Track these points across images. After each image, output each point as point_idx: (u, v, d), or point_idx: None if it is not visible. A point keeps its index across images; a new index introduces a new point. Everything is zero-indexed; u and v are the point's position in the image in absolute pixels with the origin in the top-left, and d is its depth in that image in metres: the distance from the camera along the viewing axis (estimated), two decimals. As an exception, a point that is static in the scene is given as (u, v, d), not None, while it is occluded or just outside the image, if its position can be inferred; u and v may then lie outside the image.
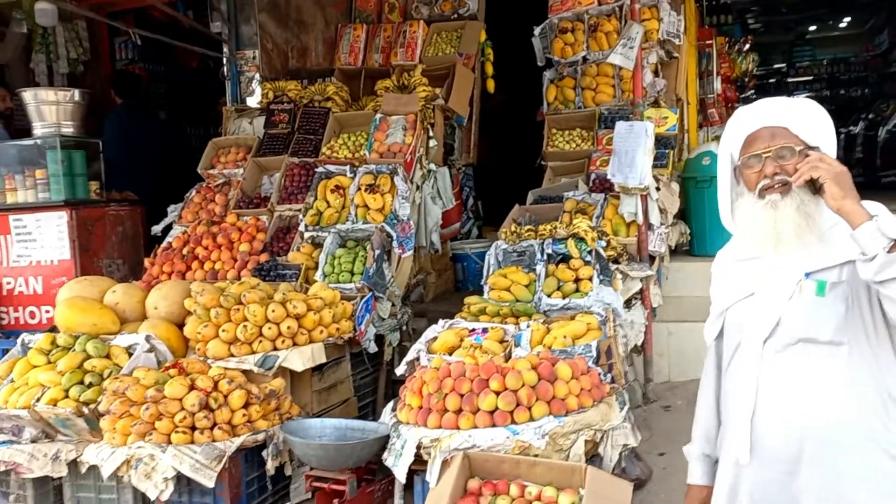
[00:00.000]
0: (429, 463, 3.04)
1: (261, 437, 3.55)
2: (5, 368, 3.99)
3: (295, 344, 3.99)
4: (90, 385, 3.71)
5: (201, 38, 7.32)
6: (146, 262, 5.14)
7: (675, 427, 4.52)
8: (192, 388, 3.51)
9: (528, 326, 3.68)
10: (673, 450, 4.12)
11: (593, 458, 3.19)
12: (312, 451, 3.30)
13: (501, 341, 3.69)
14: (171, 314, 4.17)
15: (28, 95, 5.38)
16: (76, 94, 5.49)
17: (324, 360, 4.10)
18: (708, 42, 7.97)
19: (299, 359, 3.94)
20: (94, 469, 3.58)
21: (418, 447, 3.09)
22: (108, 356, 3.86)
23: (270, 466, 3.57)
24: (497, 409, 3.03)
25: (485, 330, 3.75)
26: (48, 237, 5.43)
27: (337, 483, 3.33)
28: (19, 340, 4.16)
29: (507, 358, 3.48)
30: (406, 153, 5.15)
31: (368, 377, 4.92)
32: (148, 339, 3.94)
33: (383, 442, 3.31)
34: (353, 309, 4.39)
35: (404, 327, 5.04)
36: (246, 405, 3.58)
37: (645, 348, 4.92)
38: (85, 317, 4.03)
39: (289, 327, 3.93)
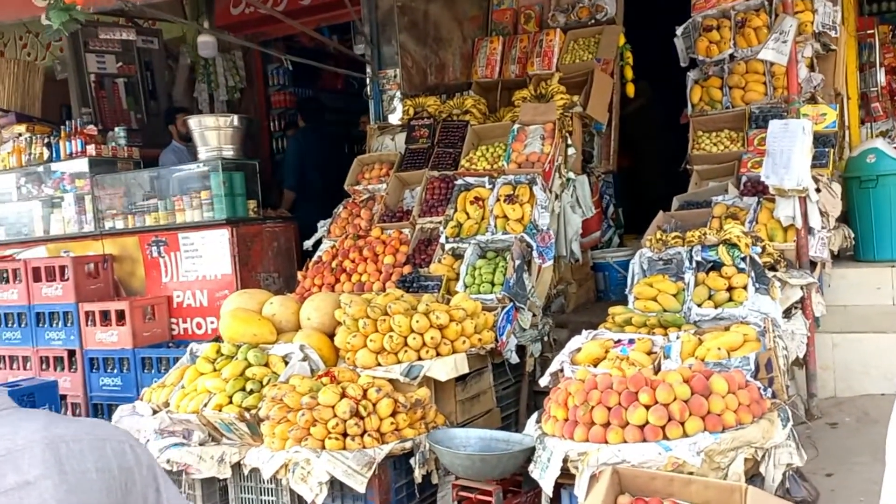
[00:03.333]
0: (577, 477, 2.98)
1: (408, 444, 3.63)
2: (177, 376, 4.33)
3: (438, 354, 4.05)
4: (251, 392, 3.94)
5: (345, 60, 7.68)
6: (299, 275, 5.41)
7: (843, 446, 4.18)
8: (343, 395, 3.64)
9: (677, 338, 3.54)
10: (841, 470, 3.82)
11: (753, 477, 3.01)
12: (459, 461, 3.33)
13: (649, 353, 3.57)
14: (323, 325, 4.35)
15: (193, 122, 5.84)
16: (235, 119, 5.90)
17: (466, 370, 4.13)
18: (869, 31, 7.36)
19: (443, 368, 4.00)
20: (255, 471, 3.80)
21: (565, 460, 3.04)
22: (266, 364, 4.08)
23: (418, 474, 3.64)
24: (647, 423, 2.93)
25: (631, 341, 3.64)
26: (212, 253, 5.86)
27: (483, 493, 3.34)
28: (188, 349, 4.50)
29: (656, 371, 3.36)
30: (544, 162, 5.12)
31: (510, 388, 4.92)
32: (302, 348, 4.14)
33: (529, 454, 3.29)
34: (494, 319, 4.40)
35: (545, 338, 5.00)
36: (393, 413, 3.67)
37: (807, 361, 4.59)
38: (246, 327, 4.30)
39: (432, 337, 3.99)
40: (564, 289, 6.04)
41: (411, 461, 3.65)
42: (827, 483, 3.68)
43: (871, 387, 4.80)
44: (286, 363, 4.08)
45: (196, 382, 4.12)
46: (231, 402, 3.93)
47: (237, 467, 3.88)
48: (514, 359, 4.64)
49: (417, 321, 4.00)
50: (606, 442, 2.97)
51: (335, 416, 3.58)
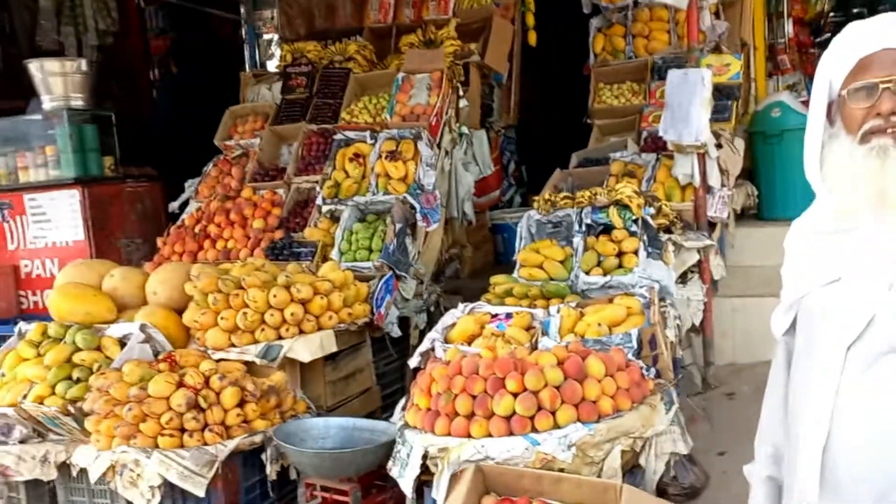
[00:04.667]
0: (435, 477, 2.60)
1: (258, 438, 3.17)
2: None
3: (301, 332, 3.59)
4: (78, 381, 3.40)
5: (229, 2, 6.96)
6: (158, 241, 4.82)
7: (740, 418, 3.95)
8: (180, 385, 3.14)
9: (558, 311, 3.17)
10: (736, 448, 3.56)
11: (634, 469, 2.69)
12: (307, 460, 2.90)
13: (528, 328, 3.20)
14: (171, 300, 3.82)
15: (33, 67, 5.09)
16: (83, 63, 5.19)
17: (335, 348, 3.69)
18: (778, -20, 7.13)
19: (306, 348, 3.54)
20: (86, 472, 3.28)
21: (424, 457, 2.65)
22: (99, 348, 3.54)
23: (271, 471, 3.19)
24: (514, 413, 2.55)
25: (509, 315, 3.26)
26: (62, 217, 5.18)
27: (338, 493, 2.93)
28: (17, 329, 3.88)
29: (534, 349, 2.99)
30: (431, 115, 4.65)
31: (394, 363, 4.51)
32: (143, 328, 3.60)
33: (390, 448, 2.88)
34: (368, 291, 3.96)
35: (432, 308, 4.59)
36: (241, 404, 3.20)
37: (704, 328, 4.34)
38: (78, 304, 3.72)
39: (293, 314, 3.52)
40: (459, 252, 5.64)
41: (263, 457, 3.20)
42: (719, 463, 3.43)
43: (770, 353, 4.53)
44: (124, 346, 3.54)
45: (17, 370, 3.54)
46: (54, 394, 3.38)
47: (65, 467, 3.36)
48: (396, 332, 4.22)
49: (275, 295, 3.51)
50: (470, 436, 2.59)
51: (170, 409, 3.08)
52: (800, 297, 1.56)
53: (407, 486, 2.69)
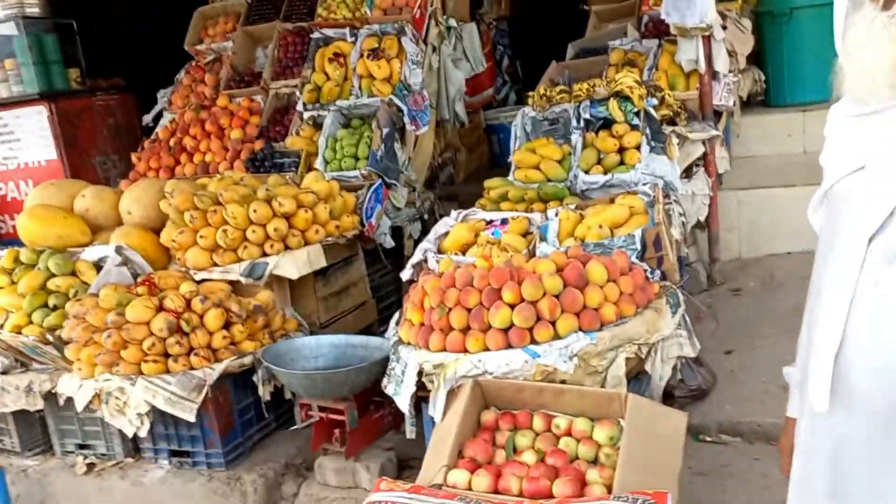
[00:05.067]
0: (431, 394, 2.47)
1: (248, 360, 3.04)
2: (-25, 290, 3.56)
3: (287, 248, 3.40)
4: (55, 308, 3.25)
5: None
6: (133, 157, 4.57)
7: (747, 315, 3.83)
8: (160, 309, 2.99)
9: (556, 215, 2.97)
10: (742, 346, 3.45)
11: (640, 375, 2.56)
12: (297, 381, 2.77)
13: (525, 234, 3.00)
14: (148, 219, 3.62)
15: (-21, -28, 4.70)
16: (35, -34, 4.78)
17: (323, 263, 3.51)
18: None
19: (292, 264, 3.36)
20: (73, 400, 3.17)
21: (420, 374, 2.51)
22: (74, 273, 3.37)
23: (263, 393, 3.08)
24: (512, 326, 2.39)
25: (504, 221, 3.06)
26: (31, 135, 4.93)
27: (334, 412, 2.82)
28: (-10, 257, 3.70)
29: (532, 255, 2.81)
30: (414, 7, 4.30)
31: (389, 275, 4.35)
32: (119, 250, 3.42)
33: (384, 365, 2.75)
34: (356, 201, 3.75)
35: (426, 216, 4.40)
36: (227, 325, 3.06)
37: (710, 223, 4.15)
38: (48, 228, 3.52)
39: (276, 229, 3.33)
40: (452, 156, 5.41)
41: (254, 378, 3.08)
42: (726, 363, 3.31)
43: (778, 245, 4.42)
44: (100, 270, 3.37)
45: (-8, 300, 3.38)
46: (31, 322, 3.24)
47: (51, 397, 3.25)
48: (389, 242, 4.05)
49: (255, 210, 3.31)
50: (466, 351, 2.44)
51: (151, 334, 2.94)
52: (829, 186, 1.40)
53: (403, 404, 2.57)
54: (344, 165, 4.02)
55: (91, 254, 3.44)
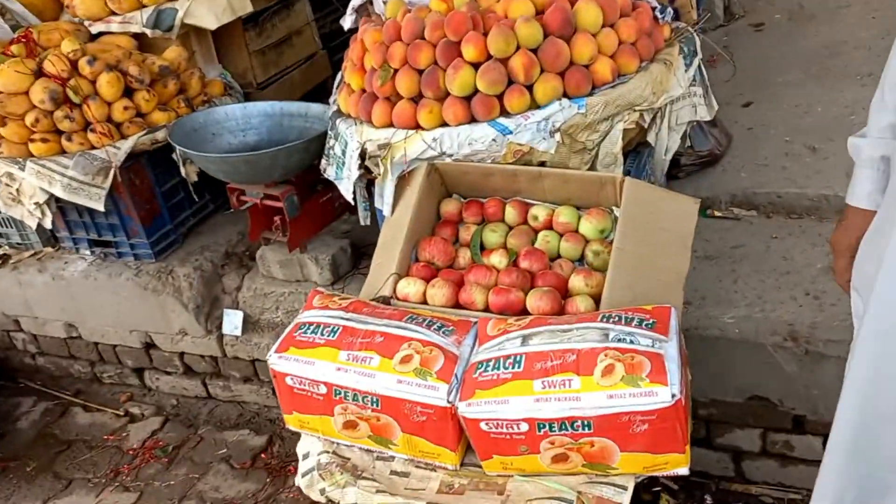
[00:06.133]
0: (377, 182, 1.96)
1: (161, 135, 2.50)
2: None
3: (201, -12, 2.69)
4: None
5: None
6: None
7: (770, 57, 3.21)
8: (40, 74, 2.37)
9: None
10: (763, 96, 2.88)
11: (639, 147, 2.04)
12: (215, 166, 2.25)
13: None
14: (24, -46, 2.83)
15: None
16: None
17: (249, 7, 2.81)
18: None
19: (209, 9, 2.67)
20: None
21: (363, 155, 1.99)
22: (-64, 30, 2.69)
23: (187, 173, 2.58)
24: (477, 92, 1.82)
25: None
26: None
27: (271, 199, 2.34)
28: None
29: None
30: None
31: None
32: (-10, -3, 2.71)
33: (323, 141, 2.22)
34: (286, -79, 2.93)
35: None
36: (129, 94, 2.46)
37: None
38: None
39: (181, -37, 2.59)
40: None
41: (174, 156, 2.56)
42: (743, 117, 2.77)
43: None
44: (-30, 24, 2.68)
45: None
46: None
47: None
48: (338, -23, 3.29)
49: (151, -62, 2.54)
50: (418, 126, 1.89)
51: (34, 107, 2.36)
52: None
53: (346, 191, 2.07)
54: None
55: (-46, 3, 2.73)
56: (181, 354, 2.71)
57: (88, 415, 2.87)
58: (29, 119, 2.35)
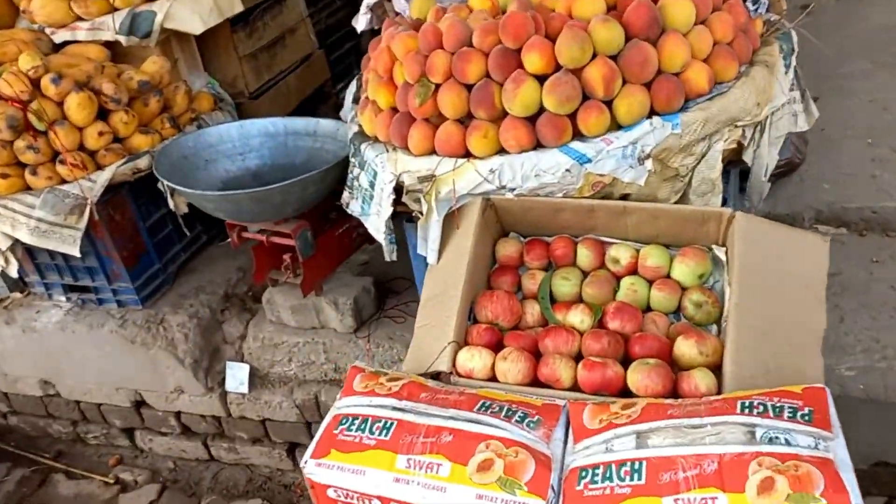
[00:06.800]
0: (419, 224, 1.60)
1: (144, 162, 2.11)
2: None
3: (182, -15, 2.29)
4: None
5: None
6: None
7: (826, 45, 2.87)
8: (-5, 97, 1.98)
9: None
10: (830, 89, 2.55)
11: (729, 166, 1.69)
12: (214, 205, 1.87)
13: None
14: (-30, -49, 2.41)
15: None
16: None
17: (239, 7, 2.42)
18: None
19: (192, 10, 2.28)
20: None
21: (398, 189, 1.62)
22: None
23: (175, 205, 2.20)
24: (543, 111, 1.46)
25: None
26: None
27: (279, 235, 1.97)
28: None
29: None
30: None
31: (342, 11, 3.25)
32: (-69, 4, 2.29)
33: (344, 167, 1.85)
34: None
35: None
36: (104, 116, 2.07)
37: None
38: None
39: (157, -43, 2.19)
40: None
41: (160, 186, 2.17)
42: (822, 120, 2.43)
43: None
44: None
45: None
46: None
47: None
48: (333, -35, 2.91)
49: (121, -72, 2.14)
50: (468, 154, 1.53)
51: (-10, 137, 1.96)
52: None
53: (376, 230, 1.71)
54: None
55: None
56: (177, 414, 2.34)
57: (73, 483, 2.49)
58: (-15, 151, 1.95)
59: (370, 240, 2.22)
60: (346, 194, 1.80)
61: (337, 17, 3.27)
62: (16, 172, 2.01)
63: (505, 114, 1.50)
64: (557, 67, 1.45)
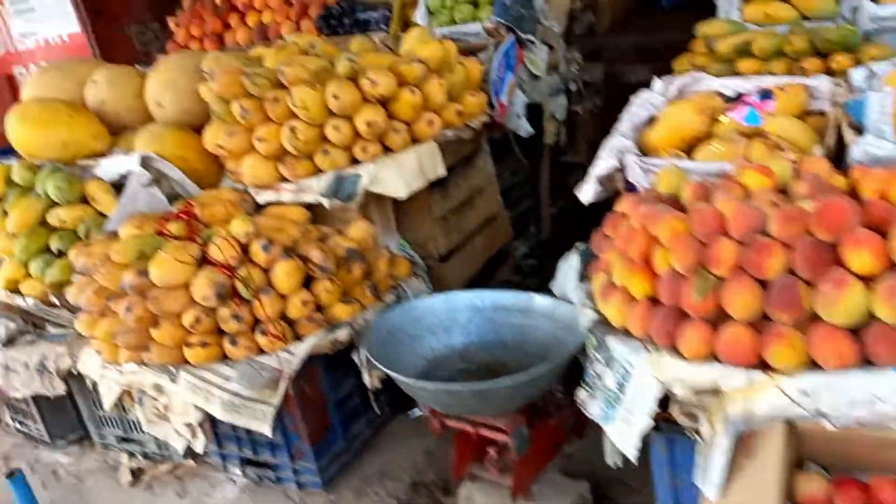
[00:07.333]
0: (702, 448, 1.31)
1: (343, 335, 1.95)
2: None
3: (387, 149, 2.22)
4: (61, 254, 2.22)
5: None
6: (170, 23, 3.40)
7: None
8: (204, 261, 1.90)
9: (871, 76, 1.64)
10: None
11: None
12: (431, 396, 1.66)
13: (806, 113, 1.71)
14: (189, 113, 2.47)
15: None
16: None
17: (442, 171, 2.33)
18: None
19: (398, 175, 2.19)
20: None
21: (666, 399, 1.35)
22: (86, 200, 2.31)
23: (371, 382, 2.01)
24: (875, 322, 1.18)
25: (766, 94, 1.75)
26: (48, 4, 3.80)
27: (489, 428, 1.72)
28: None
29: (836, 159, 1.54)
30: None
31: (522, 174, 3.15)
32: (147, 162, 2.32)
33: (570, 361, 1.60)
34: (482, 70, 2.49)
35: (571, 86, 3.11)
36: (307, 283, 1.95)
37: None
38: (48, 132, 2.43)
39: (369, 123, 2.13)
40: (592, -3, 3.97)
41: (354, 357, 2.00)
42: None
43: None
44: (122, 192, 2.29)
45: (-17, 240, 2.38)
46: (30, 275, 2.24)
47: (77, 376, 2.29)
48: (527, 129, 2.83)
49: (336, 96, 2.11)
50: (766, 366, 1.25)
51: (193, 303, 1.87)
52: None
53: (623, 441, 1.42)
54: (457, 16, 2.74)
55: (108, 168, 2.36)
56: None
57: None
58: (188, 319, 1.85)
59: (578, 432, 1.95)
60: (583, 393, 1.54)
61: (517, 178, 3.16)
62: (214, 341, 1.90)
63: (812, 319, 1.22)
64: (891, 265, 1.18)
